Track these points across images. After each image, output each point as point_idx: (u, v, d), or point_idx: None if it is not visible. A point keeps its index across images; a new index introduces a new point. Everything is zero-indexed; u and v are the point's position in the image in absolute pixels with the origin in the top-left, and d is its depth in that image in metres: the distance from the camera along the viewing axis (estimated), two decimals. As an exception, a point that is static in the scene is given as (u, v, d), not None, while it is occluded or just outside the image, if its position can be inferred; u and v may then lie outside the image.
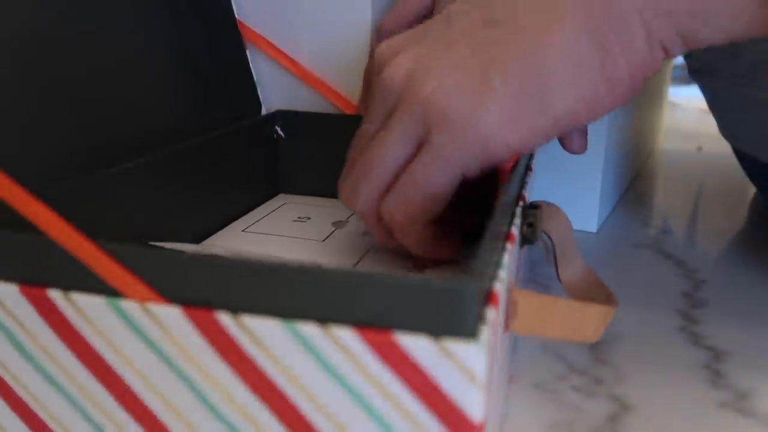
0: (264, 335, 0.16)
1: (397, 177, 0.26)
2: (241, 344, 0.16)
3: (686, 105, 0.86)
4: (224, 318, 0.16)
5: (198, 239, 0.33)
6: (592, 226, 0.43)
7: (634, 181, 0.55)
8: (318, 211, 0.39)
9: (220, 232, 0.35)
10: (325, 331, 0.16)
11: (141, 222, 0.29)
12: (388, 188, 0.26)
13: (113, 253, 0.17)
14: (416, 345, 0.15)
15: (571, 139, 0.30)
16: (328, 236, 0.34)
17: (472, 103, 0.24)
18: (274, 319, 0.16)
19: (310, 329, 0.16)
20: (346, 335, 0.16)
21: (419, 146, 0.25)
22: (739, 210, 0.49)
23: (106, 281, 0.17)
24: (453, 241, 0.30)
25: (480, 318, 0.16)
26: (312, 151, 0.42)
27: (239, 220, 0.37)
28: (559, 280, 0.30)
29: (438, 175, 0.25)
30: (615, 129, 0.43)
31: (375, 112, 0.27)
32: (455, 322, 0.15)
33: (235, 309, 0.16)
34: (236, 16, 0.41)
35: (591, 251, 0.40)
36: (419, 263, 0.31)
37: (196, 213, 0.33)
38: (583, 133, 0.30)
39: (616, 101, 0.24)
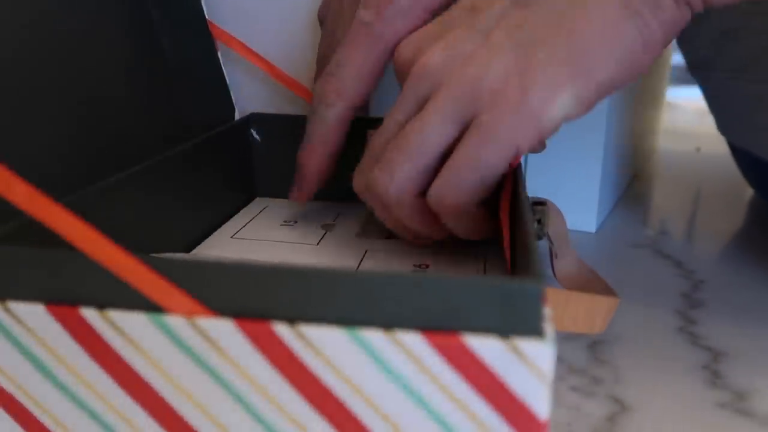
0: (325, 345, 0.16)
1: (440, 160, 0.25)
2: (300, 356, 0.16)
3: (685, 106, 0.86)
4: (281, 328, 0.16)
5: (184, 248, 0.32)
6: (591, 226, 0.43)
7: (632, 182, 0.55)
8: (302, 214, 0.38)
9: (207, 240, 0.34)
10: (390, 337, 0.15)
11: (124, 236, 0.28)
12: (429, 173, 0.26)
13: (154, 265, 0.16)
14: (485, 346, 0.15)
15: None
16: (321, 239, 0.34)
17: (522, 80, 0.24)
18: (335, 327, 0.16)
19: (374, 336, 0.15)
20: (413, 340, 0.15)
21: (464, 129, 0.25)
22: (737, 211, 0.49)
23: (146, 296, 0.16)
24: (495, 220, 0.30)
25: (542, 315, 0.16)
26: (288, 154, 0.41)
27: (224, 226, 0.36)
28: (554, 273, 0.31)
29: (492, 155, 0.24)
30: (613, 130, 0.43)
31: (405, 102, 0.26)
32: (523, 320, 0.15)
33: (292, 319, 0.16)
34: (206, 16, 0.40)
35: (590, 252, 0.40)
36: (420, 262, 0.31)
37: (178, 222, 0.32)
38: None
39: (651, 59, 0.25)
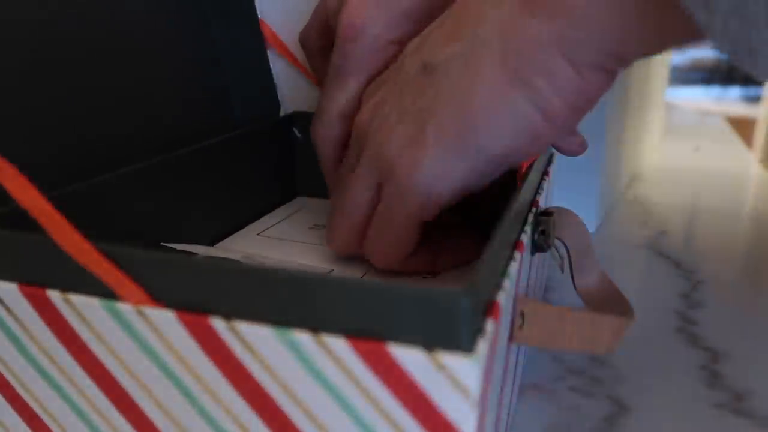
0: (256, 342, 0.16)
1: (368, 220, 0.28)
2: (233, 350, 0.16)
3: (684, 106, 0.87)
4: (217, 323, 0.16)
5: (213, 241, 0.33)
6: (591, 226, 0.43)
7: (632, 182, 0.55)
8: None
9: (235, 235, 0.35)
10: (317, 340, 0.15)
11: (156, 223, 0.30)
12: (362, 231, 0.28)
13: (109, 253, 0.17)
14: (409, 357, 0.15)
15: (565, 144, 0.30)
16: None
17: (412, 158, 0.24)
18: (267, 325, 0.16)
19: (302, 337, 0.15)
20: (338, 344, 0.15)
21: (381, 193, 0.27)
22: (736, 211, 0.49)
23: (102, 282, 0.17)
24: (452, 250, 0.31)
25: (478, 330, 0.15)
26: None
27: (255, 222, 0.37)
28: (575, 288, 0.29)
29: (398, 223, 0.26)
30: (613, 130, 0.43)
31: (349, 155, 0.29)
32: (450, 334, 0.14)
33: (229, 314, 0.16)
34: (259, 15, 0.41)
35: None
36: (433, 269, 0.30)
37: (212, 214, 0.33)
38: (574, 132, 0.29)
39: (561, 129, 0.24)
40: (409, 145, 0.24)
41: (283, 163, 0.41)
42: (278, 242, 0.34)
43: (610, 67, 0.22)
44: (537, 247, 0.25)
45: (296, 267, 0.30)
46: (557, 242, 0.27)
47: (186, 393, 0.17)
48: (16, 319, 0.18)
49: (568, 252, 0.29)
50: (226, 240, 0.34)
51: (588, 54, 0.22)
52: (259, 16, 0.41)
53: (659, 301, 0.34)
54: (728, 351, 0.30)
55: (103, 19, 0.31)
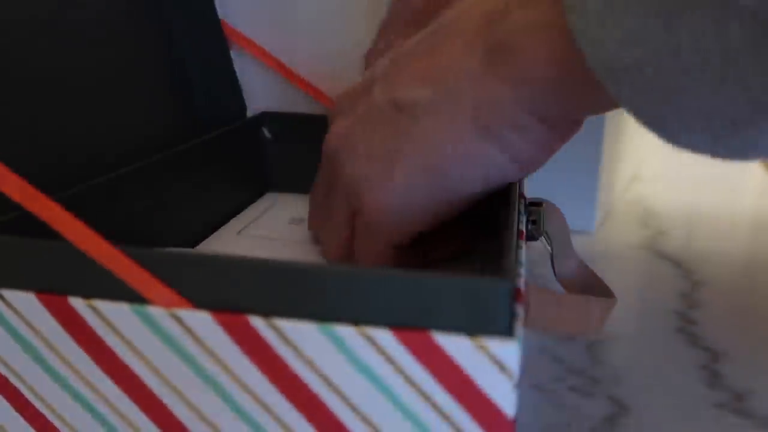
0: (298, 338, 0.16)
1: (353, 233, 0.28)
2: (274, 348, 0.16)
3: None
4: (256, 321, 0.16)
5: (190, 243, 0.33)
6: (591, 225, 0.43)
7: (631, 182, 0.55)
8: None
9: (213, 235, 0.34)
10: (360, 332, 0.16)
11: (132, 229, 0.29)
12: (351, 244, 0.29)
13: (137, 258, 0.17)
14: (453, 343, 0.15)
15: None
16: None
17: (379, 201, 0.25)
18: (309, 321, 0.16)
19: (345, 331, 0.16)
20: (383, 336, 0.16)
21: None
22: (736, 211, 0.49)
23: (130, 287, 0.17)
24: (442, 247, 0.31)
25: (513, 315, 0.16)
26: (299, 152, 0.41)
27: (232, 221, 0.36)
28: (555, 275, 0.31)
29: (375, 247, 0.27)
30: (612, 129, 0.43)
31: (322, 173, 0.30)
32: (491, 319, 0.15)
33: (267, 312, 0.16)
34: (219, 16, 0.41)
35: (589, 251, 0.41)
36: (429, 258, 0.31)
37: (187, 217, 0.33)
38: None
39: (533, 170, 0.25)
40: (377, 188, 0.25)
41: (253, 163, 0.40)
42: (261, 240, 0.34)
43: (580, 117, 0.23)
44: (528, 236, 0.26)
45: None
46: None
47: (225, 396, 0.17)
48: (35, 330, 0.18)
49: (550, 241, 0.30)
50: (206, 241, 0.34)
51: (558, 112, 0.23)
52: (220, 17, 0.41)
53: (659, 301, 0.34)
54: (728, 351, 0.30)
55: (62, 26, 0.30)
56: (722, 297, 0.35)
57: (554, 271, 0.30)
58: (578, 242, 0.42)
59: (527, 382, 0.28)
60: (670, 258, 0.40)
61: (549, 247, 0.29)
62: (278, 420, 0.17)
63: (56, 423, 0.19)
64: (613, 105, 0.23)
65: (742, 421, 0.25)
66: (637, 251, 0.41)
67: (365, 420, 0.17)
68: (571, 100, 0.22)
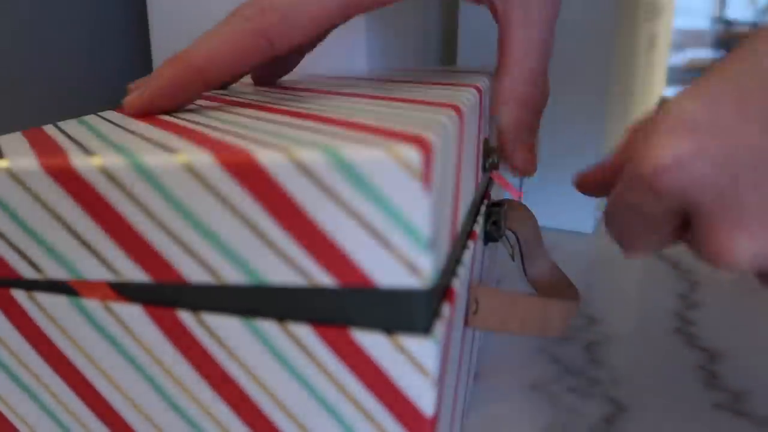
0: (224, 333, 0.16)
1: None
2: (201, 342, 0.17)
3: None
4: (185, 316, 0.17)
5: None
6: (588, 227, 0.43)
7: None
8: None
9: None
10: (283, 328, 0.16)
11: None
12: None
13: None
14: (371, 341, 0.16)
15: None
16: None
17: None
18: (234, 316, 0.16)
19: (268, 326, 0.16)
20: (304, 332, 0.16)
21: None
22: None
23: (65, 281, 0.17)
24: None
25: (435, 314, 0.16)
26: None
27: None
28: (525, 276, 0.31)
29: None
30: (611, 130, 0.43)
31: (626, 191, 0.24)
32: (409, 318, 0.15)
33: (195, 307, 0.17)
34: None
35: (587, 252, 0.41)
36: None
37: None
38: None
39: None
40: None
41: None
42: None
43: None
44: (489, 237, 0.27)
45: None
46: (509, 233, 0.28)
47: (156, 387, 0.17)
48: (-21, 319, 0.18)
49: (519, 243, 0.30)
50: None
51: None
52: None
53: (657, 302, 0.34)
54: (726, 351, 0.30)
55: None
56: (720, 298, 0.35)
57: (524, 271, 0.31)
58: (577, 244, 0.42)
59: (525, 383, 0.28)
60: (668, 259, 0.40)
61: (509, 248, 0.29)
62: (210, 415, 0.17)
63: (6, 413, 0.19)
64: None
65: (740, 421, 0.25)
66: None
67: (290, 414, 0.17)
68: None
